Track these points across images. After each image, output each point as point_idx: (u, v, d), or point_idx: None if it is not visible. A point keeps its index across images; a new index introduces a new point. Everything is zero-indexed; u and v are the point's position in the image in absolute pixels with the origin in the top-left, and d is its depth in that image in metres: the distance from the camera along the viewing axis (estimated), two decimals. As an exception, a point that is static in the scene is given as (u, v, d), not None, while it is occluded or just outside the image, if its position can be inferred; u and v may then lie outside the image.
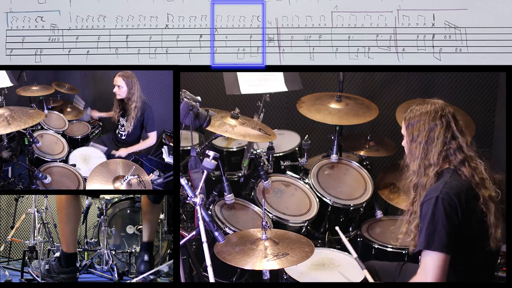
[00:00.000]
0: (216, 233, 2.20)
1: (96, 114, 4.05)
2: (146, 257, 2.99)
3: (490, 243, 2.05)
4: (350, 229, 3.16)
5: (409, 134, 2.20)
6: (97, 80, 4.50)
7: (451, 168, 2.11)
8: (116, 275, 3.07)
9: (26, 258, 3.02)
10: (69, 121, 3.86)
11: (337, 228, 2.86)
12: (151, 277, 2.90)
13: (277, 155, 3.47)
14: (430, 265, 1.97)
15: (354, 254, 2.54)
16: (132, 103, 3.52)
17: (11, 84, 3.58)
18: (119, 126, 3.66)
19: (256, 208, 2.94)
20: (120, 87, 3.49)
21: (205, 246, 2.10)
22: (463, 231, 2.00)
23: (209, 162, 2.24)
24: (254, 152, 3.14)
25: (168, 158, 3.68)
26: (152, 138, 3.66)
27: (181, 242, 2.33)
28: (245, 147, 3.37)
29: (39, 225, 3.12)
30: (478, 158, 2.13)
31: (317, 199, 3.04)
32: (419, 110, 2.17)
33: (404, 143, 2.26)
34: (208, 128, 2.50)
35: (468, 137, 2.15)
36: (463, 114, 3.11)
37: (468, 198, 2.02)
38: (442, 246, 1.96)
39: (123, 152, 3.54)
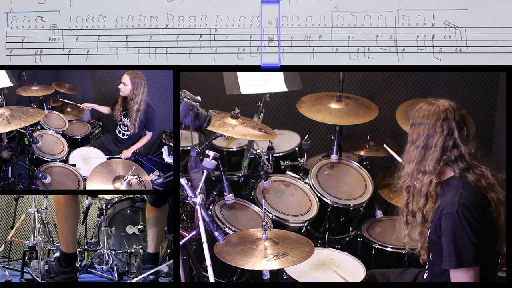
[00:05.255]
0: (216, 233, 2.20)
1: (88, 105, 3.96)
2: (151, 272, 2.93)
3: (498, 246, 2.04)
4: (350, 229, 3.16)
5: (411, 134, 2.13)
6: (98, 81, 4.49)
7: (457, 176, 2.05)
8: (116, 275, 3.07)
9: (26, 258, 3.01)
10: (69, 121, 3.86)
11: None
12: (151, 277, 2.90)
13: (277, 155, 3.46)
14: (467, 281, 1.95)
15: None
16: (135, 105, 3.53)
17: (11, 84, 3.57)
18: (121, 126, 3.66)
19: (256, 208, 2.94)
20: (125, 85, 3.51)
21: (205, 246, 2.10)
22: (479, 238, 1.97)
23: (209, 162, 2.24)
24: (254, 152, 3.14)
25: (168, 158, 3.68)
26: (149, 135, 3.73)
27: (181, 242, 2.33)
28: (245, 147, 3.37)
29: (39, 225, 3.12)
30: (482, 164, 2.06)
31: (317, 199, 3.04)
32: (423, 111, 2.09)
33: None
34: (208, 128, 2.50)
35: (473, 145, 2.07)
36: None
37: (482, 205, 1.99)
38: (473, 260, 1.94)
39: (128, 153, 3.58)
